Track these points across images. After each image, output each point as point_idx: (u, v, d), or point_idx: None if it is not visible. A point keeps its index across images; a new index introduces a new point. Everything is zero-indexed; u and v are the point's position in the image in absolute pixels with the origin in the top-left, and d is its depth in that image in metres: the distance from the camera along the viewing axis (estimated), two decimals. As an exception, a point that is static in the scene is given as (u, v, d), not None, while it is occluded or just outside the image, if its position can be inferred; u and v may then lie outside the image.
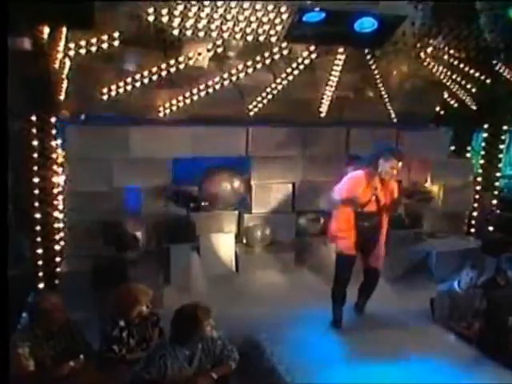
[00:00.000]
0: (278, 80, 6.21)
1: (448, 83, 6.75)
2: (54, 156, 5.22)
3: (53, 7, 4.46)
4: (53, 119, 5.15)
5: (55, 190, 5.30)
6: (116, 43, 5.05)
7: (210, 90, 5.93)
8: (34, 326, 3.72)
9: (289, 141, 6.49)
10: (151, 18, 4.90)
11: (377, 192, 4.70)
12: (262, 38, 5.32)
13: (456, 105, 7.17)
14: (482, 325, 4.78)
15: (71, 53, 5.00)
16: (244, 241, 6.50)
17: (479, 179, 7.36)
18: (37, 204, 5.16)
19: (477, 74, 6.64)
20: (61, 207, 5.46)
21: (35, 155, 5.08)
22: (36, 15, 4.57)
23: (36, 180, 5.12)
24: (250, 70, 5.87)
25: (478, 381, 3.96)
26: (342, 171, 5.05)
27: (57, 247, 5.39)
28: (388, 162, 4.63)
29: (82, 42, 5.01)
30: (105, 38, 4.99)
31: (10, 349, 3.52)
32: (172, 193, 5.98)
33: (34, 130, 5.05)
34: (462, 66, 6.52)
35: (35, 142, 5.07)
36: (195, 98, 5.90)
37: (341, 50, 5.95)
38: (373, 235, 4.85)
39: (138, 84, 5.56)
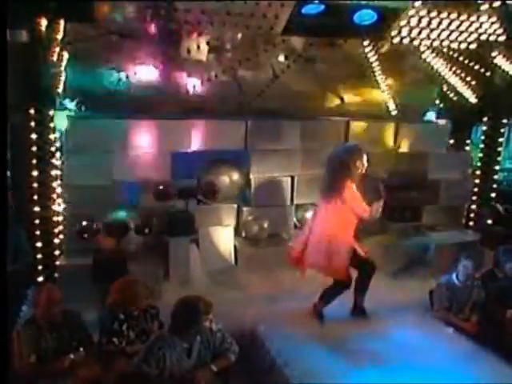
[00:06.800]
0: (278, 72, 6.19)
1: (447, 76, 6.74)
2: (52, 149, 5.21)
3: (53, 0, 4.46)
4: (51, 112, 5.14)
5: (54, 183, 5.30)
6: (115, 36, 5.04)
7: (209, 83, 5.90)
8: (37, 319, 3.74)
9: (288, 134, 6.46)
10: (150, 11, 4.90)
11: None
12: (261, 31, 5.29)
13: (455, 98, 7.16)
14: (480, 317, 4.79)
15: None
16: (243, 234, 6.49)
17: (478, 172, 7.35)
18: (36, 197, 5.16)
19: (476, 67, 6.63)
20: (60, 200, 5.46)
21: (34, 148, 5.07)
22: (36, 8, 4.56)
23: (35, 173, 5.12)
24: (248, 63, 5.85)
25: (476, 373, 3.99)
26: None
27: (56, 240, 5.40)
28: (355, 163, 4.71)
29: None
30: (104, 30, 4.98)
31: (12, 340, 3.55)
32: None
33: (33, 123, 5.04)
34: (461, 58, 6.51)
35: (34, 135, 5.06)
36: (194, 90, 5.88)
37: (340, 42, 5.94)
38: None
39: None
